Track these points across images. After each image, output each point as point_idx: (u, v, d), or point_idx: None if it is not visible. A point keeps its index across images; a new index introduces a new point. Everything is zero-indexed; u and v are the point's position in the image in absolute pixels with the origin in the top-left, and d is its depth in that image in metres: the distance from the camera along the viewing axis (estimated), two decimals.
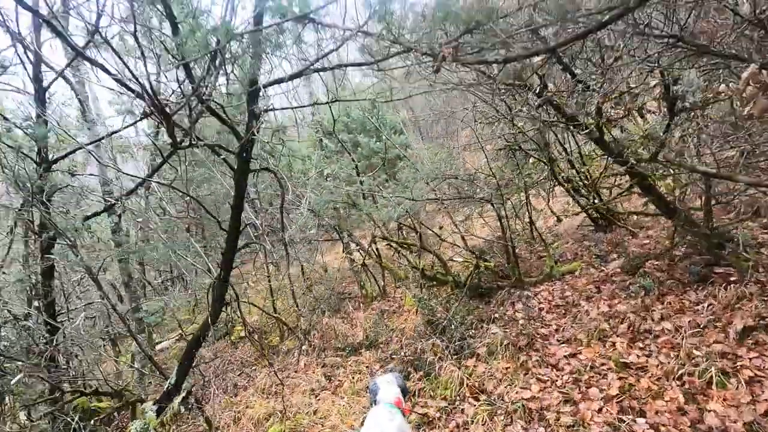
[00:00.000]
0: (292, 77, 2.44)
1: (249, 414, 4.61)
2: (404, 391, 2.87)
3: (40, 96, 4.15)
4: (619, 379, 3.40)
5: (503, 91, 4.93)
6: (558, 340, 4.28)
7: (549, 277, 5.73)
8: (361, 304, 7.03)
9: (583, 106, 4.03)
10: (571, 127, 4.74)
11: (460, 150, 7.67)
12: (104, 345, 6.96)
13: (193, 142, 2.68)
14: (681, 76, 3.59)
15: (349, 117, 10.06)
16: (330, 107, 5.10)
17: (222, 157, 3.55)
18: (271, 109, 3.08)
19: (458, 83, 4.71)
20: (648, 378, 3.28)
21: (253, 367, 6.33)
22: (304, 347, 5.85)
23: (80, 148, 4.32)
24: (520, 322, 4.73)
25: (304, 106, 3.01)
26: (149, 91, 2.28)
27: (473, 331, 4.75)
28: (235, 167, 3.34)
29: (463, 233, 5.83)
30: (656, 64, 3.27)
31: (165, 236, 6.10)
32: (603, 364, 3.67)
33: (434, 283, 5.60)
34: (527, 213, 6.70)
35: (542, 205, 8.54)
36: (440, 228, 6.98)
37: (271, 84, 2.65)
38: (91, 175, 4.74)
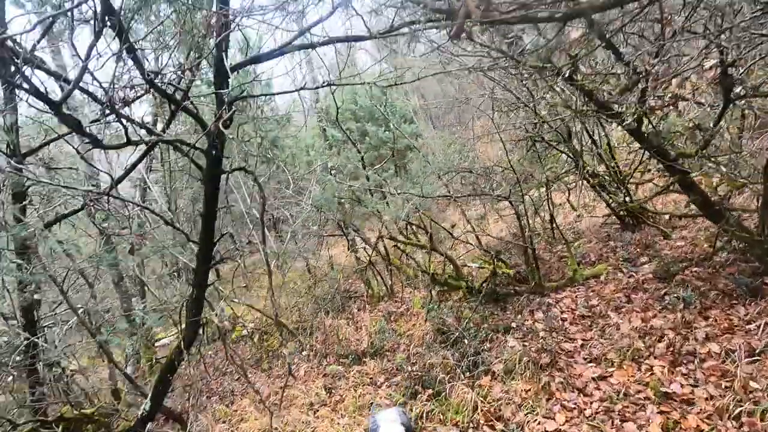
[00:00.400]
0: (271, 55, 1.97)
1: (243, 429, 4.26)
2: (409, 431, 2.44)
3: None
4: (660, 413, 2.92)
5: (526, 75, 4.38)
6: (585, 359, 3.81)
7: (571, 281, 5.23)
8: (367, 305, 6.62)
9: (624, 91, 3.48)
10: (603, 117, 4.19)
11: (474, 141, 7.11)
12: (94, 352, 6.70)
13: (150, 138, 2.25)
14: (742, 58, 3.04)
15: (357, 105, 9.53)
16: (333, 94, 4.61)
17: (189, 154, 3.07)
18: (245, 97, 2.60)
19: (474, 66, 4.18)
20: (696, 414, 2.80)
21: (253, 371, 6.00)
22: (304, 352, 5.48)
23: (57, 139, 3.92)
24: (541, 334, 4.26)
25: (289, 92, 2.52)
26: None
27: (488, 344, 4.30)
28: (204, 168, 2.84)
29: (477, 232, 5.34)
30: (717, 40, 2.71)
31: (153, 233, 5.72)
32: (639, 392, 3.19)
33: (445, 288, 5.15)
34: (548, 210, 6.16)
35: (560, 199, 7.98)
36: (452, 226, 6.50)
37: (244, 64, 2.19)
38: (70, 168, 4.34)
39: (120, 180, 2.71)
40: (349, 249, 6.61)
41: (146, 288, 7.32)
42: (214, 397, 5.50)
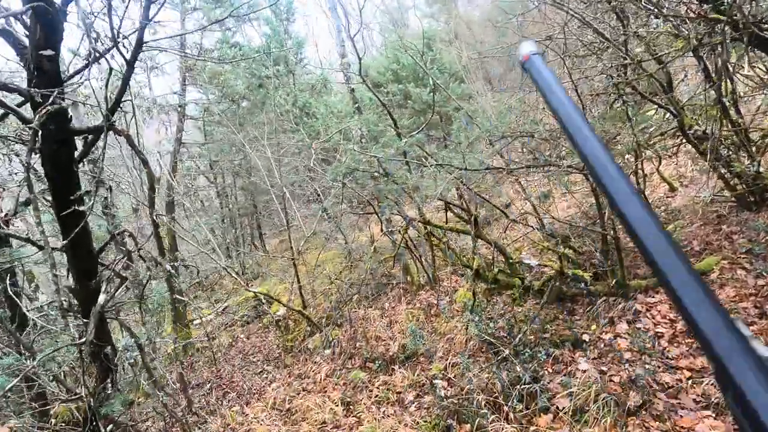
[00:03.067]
0: None
1: None
2: None
3: None
4: None
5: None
6: (696, 402, 2.65)
7: None
8: (404, 295, 5.75)
9: None
10: (734, 52, 2.80)
11: (537, 99, 5.77)
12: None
13: None
14: None
15: (399, 64, 8.36)
16: (352, 39, 3.58)
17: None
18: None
19: None
20: None
21: (276, 363, 5.46)
22: (327, 351, 4.77)
23: None
24: (626, 356, 3.13)
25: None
26: None
27: (550, 365, 3.25)
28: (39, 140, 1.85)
29: (538, 214, 4.17)
30: None
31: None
32: None
33: (494, 285, 4.09)
34: (636, 182, 4.78)
35: (649, 168, 6.41)
36: (507, 206, 5.30)
37: None
38: None
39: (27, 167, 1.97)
40: (381, 230, 5.73)
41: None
42: (232, 393, 5.01)
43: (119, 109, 2.90)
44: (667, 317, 3.51)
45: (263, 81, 7.37)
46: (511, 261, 3.86)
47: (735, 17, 2.56)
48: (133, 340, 3.37)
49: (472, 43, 12.46)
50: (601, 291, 3.92)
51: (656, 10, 3.24)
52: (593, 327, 3.60)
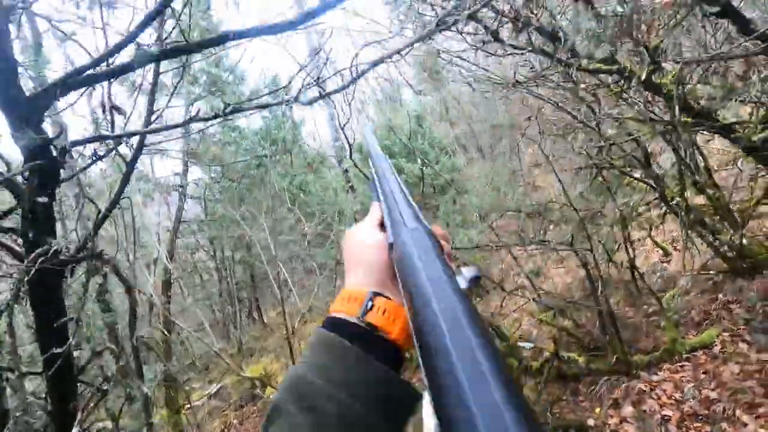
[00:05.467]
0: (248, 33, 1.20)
1: None
2: None
3: None
4: None
5: (582, 85, 3.34)
6: None
7: (670, 354, 3.84)
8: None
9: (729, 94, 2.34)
10: (703, 131, 3.01)
11: (523, 172, 6.02)
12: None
13: None
14: None
15: (391, 141, 8.85)
16: (342, 129, 3.85)
17: None
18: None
19: (512, 81, 3.23)
20: None
21: None
22: None
23: None
24: None
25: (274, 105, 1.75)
26: None
27: None
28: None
29: (531, 290, 4.16)
30: None
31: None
32: None
33: None
34: (627, 252, 4.84)
35: (637, 234, 6.48)
36: (501, 280, 5.31)
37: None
38: None
39: None
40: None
41: None
42: None
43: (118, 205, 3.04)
44: (673, 397, 3.37)
45: (262, 160, 7.75)
46: (508, 343, 3.78)
47: (689, 105, 2.78)
48: None
49: (463, 117, 13.21)
50: (603, 369, 3.80)
51: (621, 96, 3.52)
52: (597, 410, 3.45)
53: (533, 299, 4.96)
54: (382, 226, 0.56)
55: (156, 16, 1.71)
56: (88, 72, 1.69)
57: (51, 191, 1.79)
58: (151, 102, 3.07)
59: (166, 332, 6.06)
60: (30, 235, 1.70)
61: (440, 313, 0.31)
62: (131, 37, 1.67)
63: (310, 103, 1.51)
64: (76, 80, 1.68)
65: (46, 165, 1.70)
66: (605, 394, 3.57)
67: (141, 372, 3.17)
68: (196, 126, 8.67)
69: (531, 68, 3.28)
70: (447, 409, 0.25)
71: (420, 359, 0.30)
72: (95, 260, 2.26)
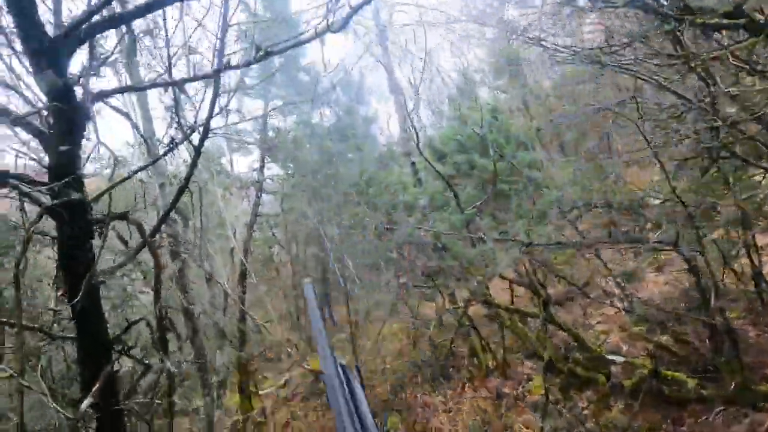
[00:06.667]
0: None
1: None
2: None
3: None
4: None
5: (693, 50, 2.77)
6: None
7: None
8: (470, 379, 5.20)
9: None
10: None
11: (618, 164, 5.32)
12: None
13: None
14: None
15: (463, 134, 8.43)
16: (409, 116, 3.65)
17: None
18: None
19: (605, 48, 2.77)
20: None
21: None
22: None
23: None
24: None
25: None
26: None
27: None
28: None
29: (627, 294, 3.60)
30: None
31: None
32: None
33: (572, 379, 3.47)
34: (749, 258, 4.04)
35: (762, 239, 5.39)
36: (585, 284, 4.68)
37: None
38: None
39: None
40: (444, 305, 5.37)
41: None
42: None
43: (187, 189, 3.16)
44: None
45: (334, 156, 7.86)
46: (591, 353, 3.29)
47: None
48: None
49: (543, 112, 12.34)
50: (718, 396, 3.14)
51: (748, 67, 2.87)
52: None
53: (624, 309, 4.33)
54: None
55: None
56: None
57: (76, 141, 1.82)
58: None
59: (240, 321, 6.36)
60: (55, 189, 1.74)
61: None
62: None
63: (341, 28, 1.36)
64: (97, 22, 1.69)
65: (68, 109, 1.72)
66: (720, 427, 2.94)
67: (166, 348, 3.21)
68: (272, 122, 9.16)
69: (627, 34, 2.78)
70: None
71: None
72: (122, 220, 2.32)
